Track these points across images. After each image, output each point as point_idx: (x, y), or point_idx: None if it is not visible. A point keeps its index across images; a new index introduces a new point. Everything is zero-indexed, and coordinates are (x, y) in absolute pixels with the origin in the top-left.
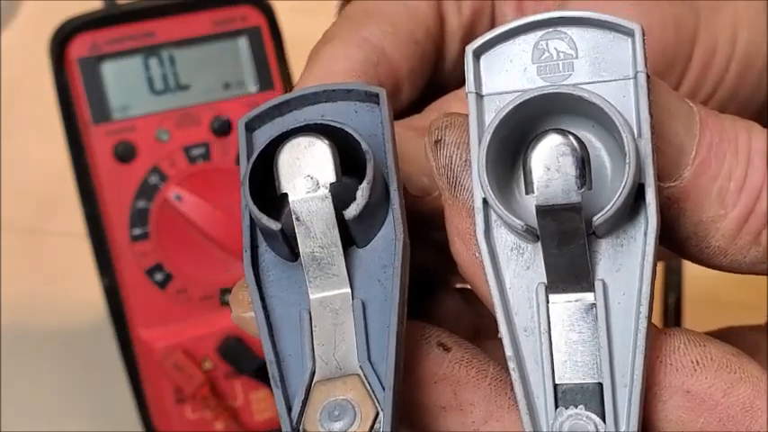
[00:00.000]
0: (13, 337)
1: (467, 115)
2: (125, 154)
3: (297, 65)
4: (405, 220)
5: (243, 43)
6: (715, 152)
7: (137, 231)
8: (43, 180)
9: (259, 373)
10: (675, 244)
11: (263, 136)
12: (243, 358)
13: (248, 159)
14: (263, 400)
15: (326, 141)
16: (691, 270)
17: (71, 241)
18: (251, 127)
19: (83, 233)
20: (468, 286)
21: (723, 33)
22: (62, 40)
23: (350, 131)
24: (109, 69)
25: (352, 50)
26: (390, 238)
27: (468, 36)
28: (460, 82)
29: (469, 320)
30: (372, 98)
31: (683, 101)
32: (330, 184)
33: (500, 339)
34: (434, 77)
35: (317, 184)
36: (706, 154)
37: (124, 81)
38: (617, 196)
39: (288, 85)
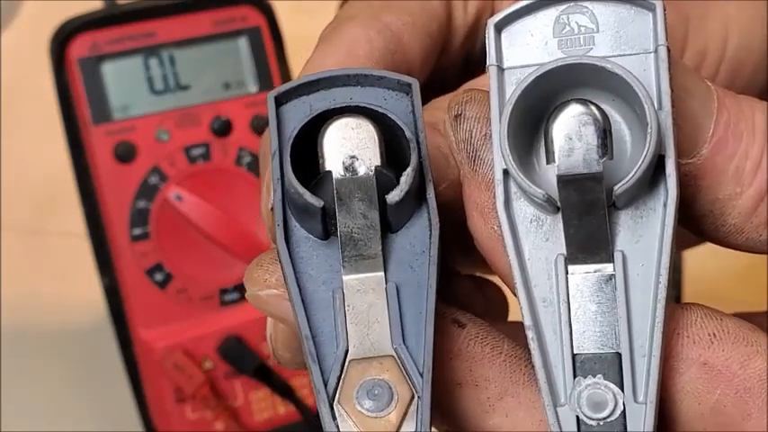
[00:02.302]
0: (13, 337)
1: (486, 91)
2: (125, 154)
3: (297, 65)
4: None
5: (243, 43)
6: (732, 131)
7: (137, 231)
8: (43, 180)
9: (259, 373)
10: (692, 222)
11: (291, 112)
12: (243, 358)
13: (279, 133)
14: (262, 399)
15: (374, 125)
16: (691, 268)
17: (71, 241)
18: (279, 101)
19: (83, 233)
20: (477, 273)
21: (713, 38)
22: (62, 40)
23: (394, 118)
24: (109, 69)
25: (373, 35)
26: (423, 225)
27: (470, 36)
28: (460, 78)
29: (480, 304)
30: (404, 87)
31: (702, 80)
32: (375, 167)
33: (520, 311)
34: (435, 72)
35: (363, 165)
36: (723, 132)
37: (124, 81)
38: (639, 164)
39: None
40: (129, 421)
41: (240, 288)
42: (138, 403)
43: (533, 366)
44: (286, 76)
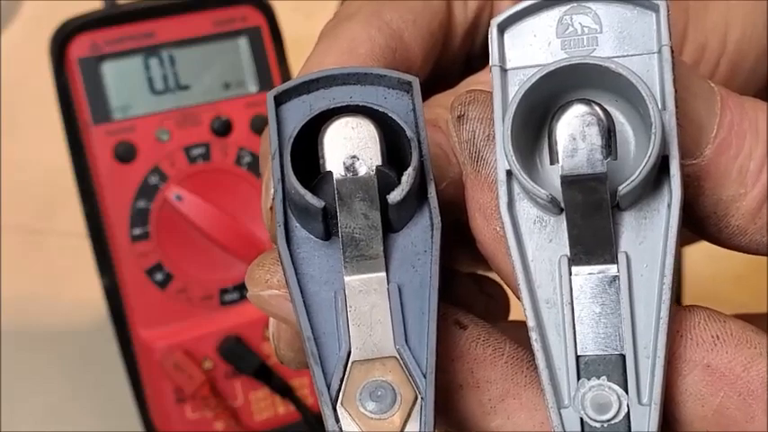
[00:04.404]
0: (13, 337)
1: (489, 92)
2: (125, 154)
3: (297, 65)
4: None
5: (243, 43)
6: (736, 131)
7: (137, 231)
8: (43, 180)
9: (259, 373)
10: (695, 223)
11: (291, 111)
12: (243, 358)
13: (279, 133)
14: (262, 399)
15: (374, 124)
16: (691, 270)
17: (71, 241)
18: (279, 101)
19: (83, 233)
20: (478, 272)
21: (713, 32)
22: (62, 40)
23: (395, 117)
24: (109, 69)
25: (374, 33)
26: (425, 225)
27: (470, 34)
28: (461, 76)
29: (480, 302)
30: (404, 86)
31: (705, 80)
32: (376, 167)
33: (522, 313)
34: (435, 70)
35: (363, 165)
36: (727, 133)
37: (124, 81)
38: (643, 164)
39: None
40: (129, 421)
41: (240, 288)
42: (138, 403)
43: (536, 368)
44: (286, 76)
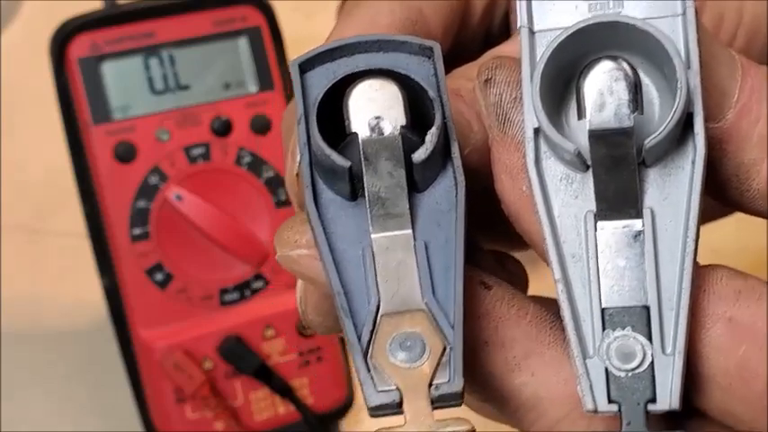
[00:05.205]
0: (13, 337)
1: (515, 58)
2: (125, 154)
3: None
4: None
5: (243, 43)
6: (756, 97)
7: (137, 231)
8: (43, 180)
9: (259, 373)
10: (716, 187)
11: (315, 78)
12: (243, 358)
13: (304, 99)
14: (262, 399)
15: (398, 85)
16: None
17: (71, 241)
18: (303, 69)
19: (83, 233)
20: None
21: (729, 3)
22: (62, 40)
23: (417, 79)
24: (109, 69)
25: (395, 6)
26: (449, 184)
27: (489, 11)
28: (478, 54)
29: (501, 278)
30: (425, 52)
31: (726, 48)
32: (401, 127)
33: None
34: (454, 47)
35: (388, 125)
36: (747, 98)
37: (124, 81)
38: (670, 117)
39: (288, 84)
40: (129, 421)
41: (240, 288)
42: (138, 403)
43: (559, 328)
44: (286, 75)
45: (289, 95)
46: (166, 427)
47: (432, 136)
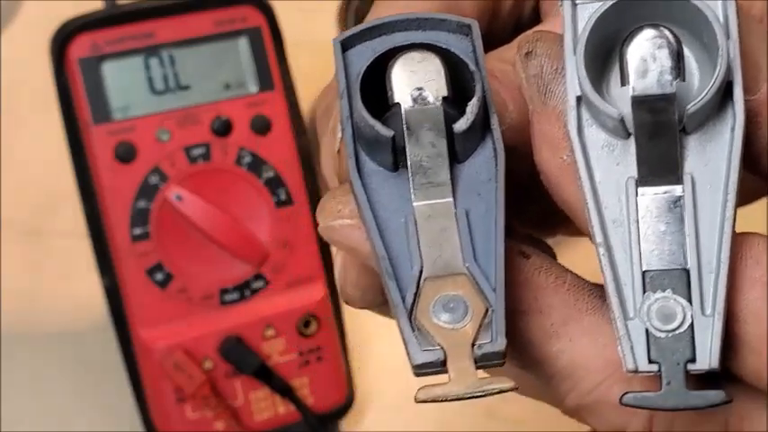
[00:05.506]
0: (13, 337)
1: (554, 33)
2: (125, 154)
3: (297, 65)
4: None
5: (243, 43)
6: None
7: (137, 231)
8: (43, 180)
9: (259, 373)
10: (752, 159)
11: (355, 56)
12: (243, 358)
13: (346, 74)
14: (262, 399)
15: (439, 57)
16: None
17: (71, 241)
18: (345, 46)
19: (83, 233)
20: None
21: None
22: (63, 40)
23: (457, 53)
24: (109, 70)
25: None
26: (488, 155)
27: (519, 3)
28: (509, 39)
29: None
30: (463, 29)
31: (759, 23)
32: (442, 98)
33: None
34: (484, 37)
35: (430, 96)
36: None
37: (125, 81)
38: (711, 83)
39: (289, 84)
40: (129, 421)
41: (240, 288)
42: (139, 403)
43: (597, 296)
44: (287, 76)
45: (289, 96)
46: (167, 427)
47: (472, 106)
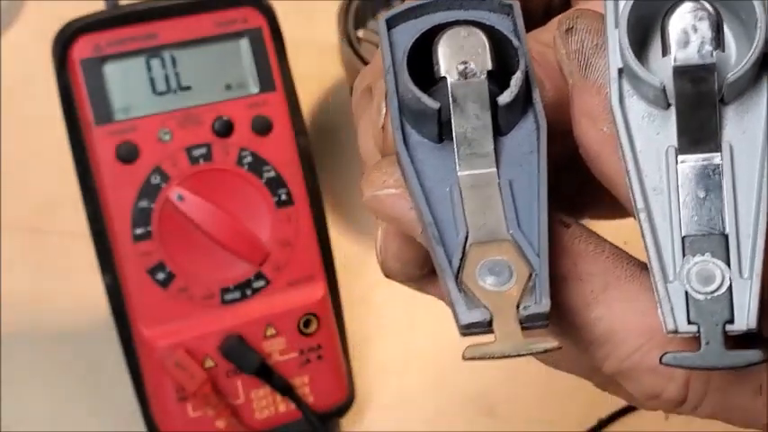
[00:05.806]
0: (13, 336)
1: (593, 10)
2: (127, 154)
3: (297, 66)
4: None
5: (244, 44)
6: None
7: (139, 231)
8: (43, 180)
9: (260, 372)
10: None
11: (400, 34)
12: (244, 357)
13: (391, 50)
14: (263, 398)
15: (483, 33)
16: None
17: (71, 241)
18: (390, 25)
19: (84, 232)
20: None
21: None
22: (65, 41)
23: (500, 29)
24: (111, 70)
25: None
26: (530, 129)
27: None
28: (539, 23)
29: None
30: (505, 9)
31: None
32: (487, 71)
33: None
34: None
35: (475, 69)
36: None
37: (126, 82)
38: (750, 53)
39: (290, 85)
40: (129, 421)
41: (241, 287)
42: (140, 402)
43: (636, 262)
44: (287, 76)
45: (289, 96)
46: (168, 426)
47: (516, 80)
